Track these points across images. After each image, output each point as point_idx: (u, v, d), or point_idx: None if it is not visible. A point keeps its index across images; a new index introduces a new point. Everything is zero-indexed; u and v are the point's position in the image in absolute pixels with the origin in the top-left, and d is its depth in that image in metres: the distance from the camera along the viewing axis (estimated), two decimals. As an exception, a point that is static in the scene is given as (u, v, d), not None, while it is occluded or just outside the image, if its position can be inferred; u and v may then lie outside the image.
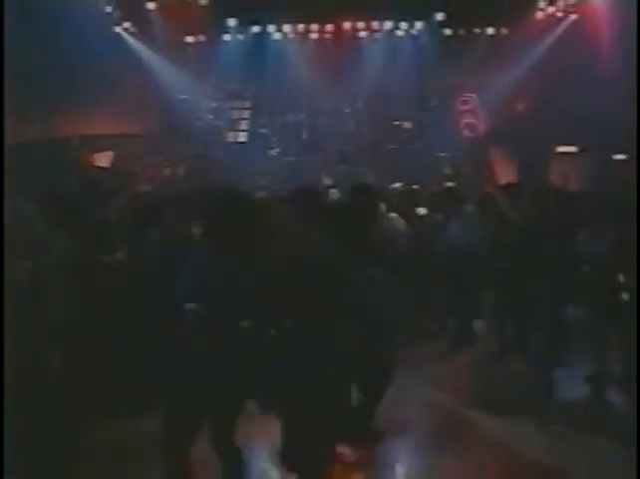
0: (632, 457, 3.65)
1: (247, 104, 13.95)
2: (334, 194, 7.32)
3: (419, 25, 13.60)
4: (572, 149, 11.44)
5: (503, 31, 13.48)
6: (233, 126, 13.81)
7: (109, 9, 11.79)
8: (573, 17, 12.77)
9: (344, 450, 3.80)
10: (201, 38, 13.45)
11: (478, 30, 13.46)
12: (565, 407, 4.62)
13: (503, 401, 4.67)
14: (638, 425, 3.86)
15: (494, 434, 4.25)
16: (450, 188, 7.75)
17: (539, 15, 13.00)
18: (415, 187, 8.95)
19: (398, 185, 9.76)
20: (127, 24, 12.49)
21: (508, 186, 6.42)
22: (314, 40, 13.33)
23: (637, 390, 4.04)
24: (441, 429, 4.31)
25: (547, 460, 3.94)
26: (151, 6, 12.05)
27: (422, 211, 6.57)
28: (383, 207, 5.20)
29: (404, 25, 13.63)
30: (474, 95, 13.79)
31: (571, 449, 4.04)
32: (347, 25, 13.58)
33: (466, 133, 13.53)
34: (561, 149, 11.55)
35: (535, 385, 4.92)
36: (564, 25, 12.83)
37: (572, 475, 3.78)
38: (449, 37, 13.38)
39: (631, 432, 3.87)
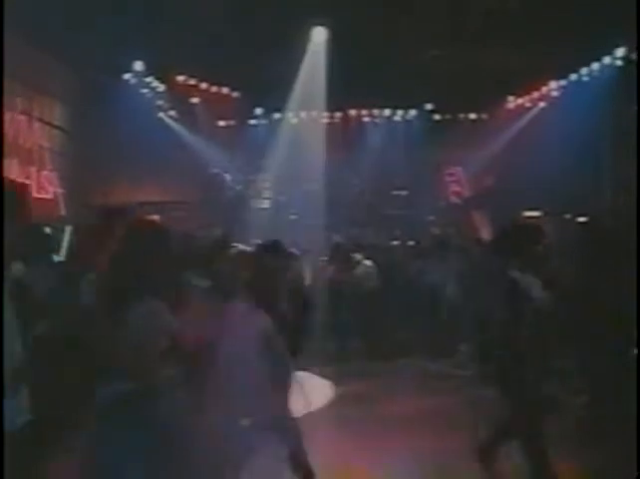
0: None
1: (270, 176, 14.82)
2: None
3: (412, 112, 15.11)
4: (537, 213, 13.16)
5: (483, 116, 15.13)
6: (258, 194, 14.84)
7: (160, 102, 13.76)
8: (541, 105, 14.31)
9: None
10: (232, 122, 15.17)
11: (461, 115, 15.12)
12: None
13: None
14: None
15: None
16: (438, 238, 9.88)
17: (512, 104, 14.78)
18: (411, 243, 11.06)
19: (396, 242, 11.83)
20: (171, 112, 14.25)
21: (480, 240, 8.59)
22: (325, 124, 14.67)
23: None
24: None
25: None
26: (194, 100, 14.03)
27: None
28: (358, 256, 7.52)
29: (400, 112, 15.19)
30: (459, 168, 15.41)
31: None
32: (352, 112, 15.21)
33: (452, 199, 15.17)
34: (528, 213, 12.77)
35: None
36: (532, 112, 14.38)
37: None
38: (437, 121, 14.93)
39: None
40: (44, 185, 9.44)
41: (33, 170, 9.28)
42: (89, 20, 8.88)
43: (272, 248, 3.90)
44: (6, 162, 8.48)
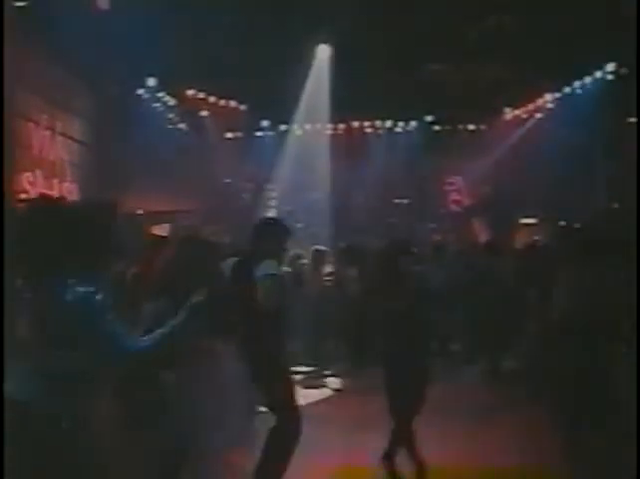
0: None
1: (276, 186, 15.16)
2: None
3: (413, 124, 15.35)
4: (533, 220, 13.62)
5: (481, 127, 15.41)
6: (265, 204, 15.10)
7: (171, 115, 14.24)
8: (537, 116, 14.72)
9: None
10: (239, 134, 15.53)
11: (460, 126, 15.40)
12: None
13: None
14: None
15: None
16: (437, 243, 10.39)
17: (509, 116, 15.15)
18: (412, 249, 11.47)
19: None
20: (182, 124, 14.70)
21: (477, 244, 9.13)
22: (329, 135, 14.91)
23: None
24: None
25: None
26: (204, 113, 14.55)
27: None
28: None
29: (401, 124, 15.43)
30: (458, 177, 15.78)
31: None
32: (355, 124, 15.41)
33: (452, 207, 15.57)
34: (524, 220, 13.59)
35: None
36: (528, 123, 14.77)
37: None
38: (437, 132, 15.23)
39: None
40: (66, 195, 9.94)
41: (56, 181, 9.81)
42: (105, 39, 9.40)
43: None
44: (33, 173, 9.05)
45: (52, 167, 9.72)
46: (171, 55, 10.73)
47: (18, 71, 7.74)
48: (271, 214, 14.90)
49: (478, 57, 12.52)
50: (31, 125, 9.04)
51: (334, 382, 7.99)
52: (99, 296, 2.47)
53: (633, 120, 12.58)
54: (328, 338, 8.63)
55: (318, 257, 9.17)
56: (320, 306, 8.53)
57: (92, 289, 2.47)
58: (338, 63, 12.73)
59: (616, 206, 12.57)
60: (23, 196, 8.09)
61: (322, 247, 9.54)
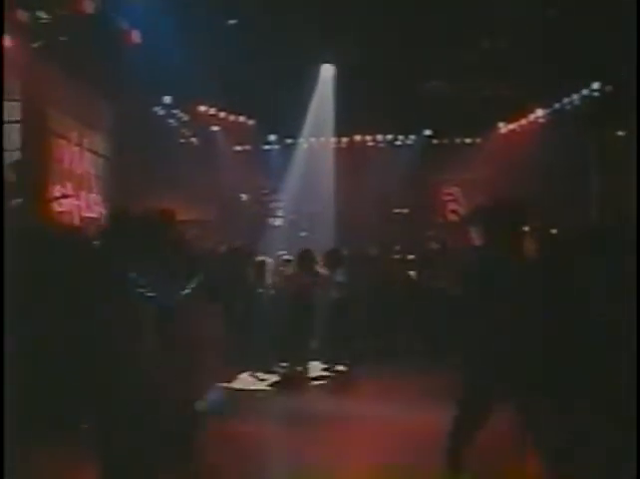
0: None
1: (282, 196, 15.60)
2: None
3: (412, 137, 15.89)
4: (526, 228, 14.19)
5: (477, 140, 15.90)
6: (271, 213, 15.69)
7: (184, 130, 15.03)
8: (529, 130, 15.17)
9: None
10: (248, 147, 16.09)
11: (457, 140, 15.88)
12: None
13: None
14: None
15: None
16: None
17: (503, 130, 15.75)
18: (410, 257, 12.25)
19: (397, 256, 12.94)
20: (194, 138, 15.49)
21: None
22: (333, 148, 15.53)
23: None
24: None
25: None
26: (215, 128, 15.29)
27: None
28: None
29: (401, 137, 15.93)
30: (456, 188, 16.33)
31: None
32: (358, 138, 15.89)
33: (450, 217, 16.14)
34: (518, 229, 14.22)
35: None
36: (522, 136, 15.15)
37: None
38: (435, 145, 15.72)
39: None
40: (91, 206, 10.76)
41: (83, 193, 10.63)
42: (133, 67, 10.23)
43: None
44: (63, 186, 9.86)
45: (80, 179, 10.53)
46: (185, 74, 11.46)
47: (53, 95, 8.62)
48: (277, 222, 15.82)
49: (473, 75, 13.24)
50: (63, 142, 9.84)
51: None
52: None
53: (621, 133, 13.45)
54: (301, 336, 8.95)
55: (305, 259, 9.41)
56: (300, 306, 8.88)
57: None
58: (341, 80, 13.52)
59: (606, 215, 13.20)
60: (56, 206, 8.89)
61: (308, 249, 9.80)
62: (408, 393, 7.28)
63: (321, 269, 9.53)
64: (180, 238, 4.90)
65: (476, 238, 14.66)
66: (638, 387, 3.80)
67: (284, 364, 8.72)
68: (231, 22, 10.51)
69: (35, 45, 8.15)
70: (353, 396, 7.64)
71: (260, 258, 10.09)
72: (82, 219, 10.08)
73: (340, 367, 8.94)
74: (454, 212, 16.39)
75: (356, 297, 9.71)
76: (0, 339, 2.92)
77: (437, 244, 13.41)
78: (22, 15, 7.66)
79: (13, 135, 8.15)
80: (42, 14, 7.88)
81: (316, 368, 8.94)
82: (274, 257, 11.03)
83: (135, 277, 3.45)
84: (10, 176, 7.51)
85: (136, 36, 8.94)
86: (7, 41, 7.56)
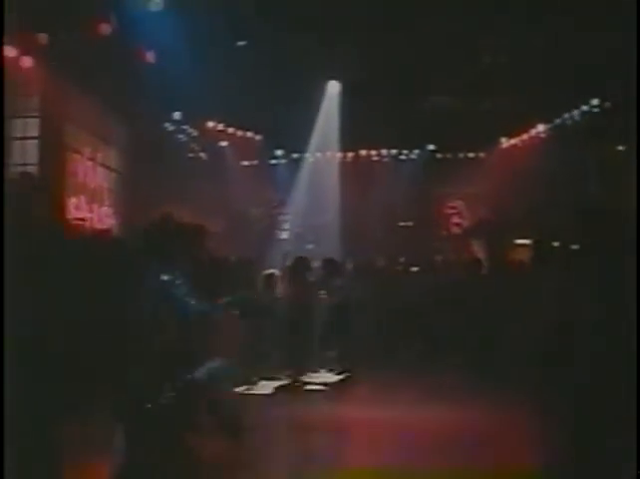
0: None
1: (289, 210, 15.86)
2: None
3: (416, 152, 16.15)
4: (527, 241, 14.51)
5: (480, 155, 16.18)
6: (278, 226, 15.85)
7: (193, 145, 15.33)
8: (531, 144, 15.34)
9: None
10: (255, 162, 16.28)
11: (460, 154, 16.13)
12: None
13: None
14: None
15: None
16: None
17: (506, 144, 15.98)
18: (414, 269, 12.50)
19: (399, 268, 13.17)
20: (203, 154, 15.79)
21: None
22: (339, 163, 15.75)
23: (637, 390, 3.78)
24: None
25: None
26: (223, 143, 15.62)
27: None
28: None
29: (405, 152, 16.22)
30: (459, 201, 16.63)
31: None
32: (363, 152, 16.18)
33: (453, 230, 16.40)
34: (519, 241, 14.00)
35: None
36: (524, 150, 15.35)
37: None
38: (439, 160, 16.00)
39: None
40: (103, 218, 11.09)
41: (96, 206, 10.96)
42: (139, 80, 10.59)
43: None
44: (77, 198, 10.20)
45: (93, 193, 10.86)
46: (195, 91, 11.79)
47: (70, 111, 8.99)
48: (284, 235, 16.04)
49: (476, 91, 13.55)
50: (78, 156, 10.19)
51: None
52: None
53: (621, 148, 13.72)
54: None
55: (300, 266, 9.46)
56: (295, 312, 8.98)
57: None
58: (347, 96, 13.87)
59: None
60: (70, 217, 9.21)
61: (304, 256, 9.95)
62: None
63: (312, 278, 9.62)
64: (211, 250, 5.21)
65: (477, 250, 15.26)
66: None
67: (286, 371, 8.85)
68: (240, 43, 10.79)
69: (53, 64, 8.50)
70: (353, 402, 7.74)
71: (269, 271, 10.27)
72: (93, 230, 10.31)
73: (333, 374, 9.08)
74: (457, 224, 16.69)
75: (360, 306, 9.98)
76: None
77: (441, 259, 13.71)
78: (42, 37, 8.02)
79: (31, 150, 8.49)
80: (60, 35, 8.24)
81: (315, 376, 9.06)
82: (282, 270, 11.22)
83: (174, 282, 3.74)
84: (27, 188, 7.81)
85: (149, 56, 9.30)
86: (27, 61, 7.95)
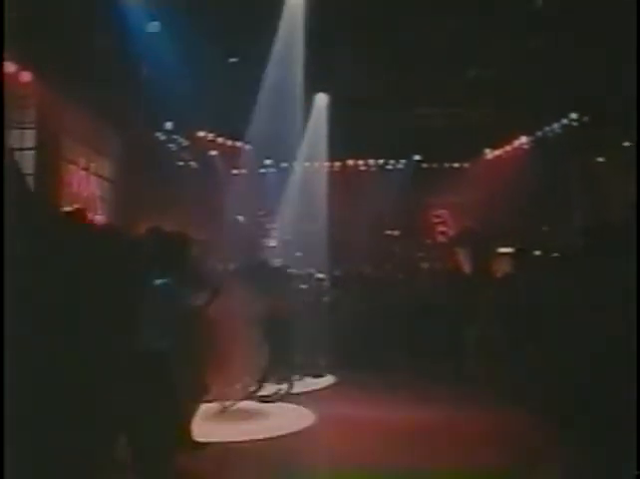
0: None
1: (277, 218, 15.81)
2: None
3: (402, 162, 16.50)
4: (510, 249, 14.82)
5: (465, 165, 16.57)
6: (267, 234, 15.98)
7: (184, 154, 15.56)
8: (514, 155, 15.73)
9: None
10: (244, 171, 16.35)
11: (446, 165, 16.55)
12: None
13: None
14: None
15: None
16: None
17: (490, 155, 16.42)
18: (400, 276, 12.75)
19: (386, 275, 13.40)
20: (193, 163, 15.96)
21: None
22: (326, 172, 15.79)
23: (637, 391, 3.79)
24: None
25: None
26: (213, 152, 15.85)
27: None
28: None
29: (391, 162, 16.54)
30: (444, 210, 16.92)
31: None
32: (351, 162, 16.55)
33: (438, 238, 16.66)
34: (503, 249, 14.31)
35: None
36: (507, 161, 15.74)
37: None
38: (424, 170, 16.32)
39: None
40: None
41: (89, 215, 11.13)
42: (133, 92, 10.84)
43: None
44: (71, 207, 10.35)
45: (87, 201, 11.08)
46: (186, 101, 12.02)
47: (66, 124, 9.24)
48: (273, 243, 16.03)
49: (461, 103, 13.97)
50: (72, 167, 10.41)
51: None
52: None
53: (601, 159, 14.17)
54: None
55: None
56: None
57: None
58: (335, 108, 14.17)
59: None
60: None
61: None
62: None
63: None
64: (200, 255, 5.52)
65: (462, 259, 15.53)
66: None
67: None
68: (232, 60, 11.07)
69: (50, 77, 8.74)
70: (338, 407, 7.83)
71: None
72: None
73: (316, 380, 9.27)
74: (442, 233, 16.94)
75: (345, 313, 10.25)
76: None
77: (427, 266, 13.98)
78: (39, 50, 8.25)
79: (27, 161, 8.71)
80: (57, 49, 8.48)
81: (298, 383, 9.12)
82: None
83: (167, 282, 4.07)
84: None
85: (143, 70, 9.56)
86: (25, 75, 8.19)
